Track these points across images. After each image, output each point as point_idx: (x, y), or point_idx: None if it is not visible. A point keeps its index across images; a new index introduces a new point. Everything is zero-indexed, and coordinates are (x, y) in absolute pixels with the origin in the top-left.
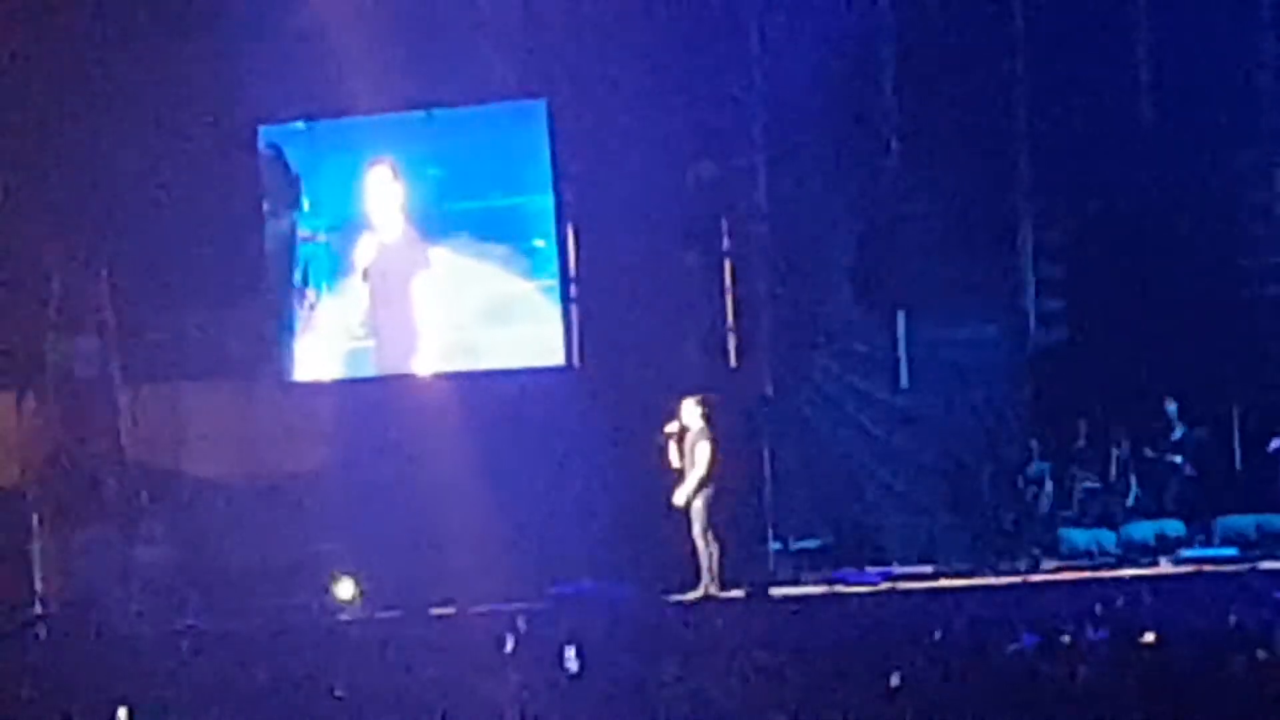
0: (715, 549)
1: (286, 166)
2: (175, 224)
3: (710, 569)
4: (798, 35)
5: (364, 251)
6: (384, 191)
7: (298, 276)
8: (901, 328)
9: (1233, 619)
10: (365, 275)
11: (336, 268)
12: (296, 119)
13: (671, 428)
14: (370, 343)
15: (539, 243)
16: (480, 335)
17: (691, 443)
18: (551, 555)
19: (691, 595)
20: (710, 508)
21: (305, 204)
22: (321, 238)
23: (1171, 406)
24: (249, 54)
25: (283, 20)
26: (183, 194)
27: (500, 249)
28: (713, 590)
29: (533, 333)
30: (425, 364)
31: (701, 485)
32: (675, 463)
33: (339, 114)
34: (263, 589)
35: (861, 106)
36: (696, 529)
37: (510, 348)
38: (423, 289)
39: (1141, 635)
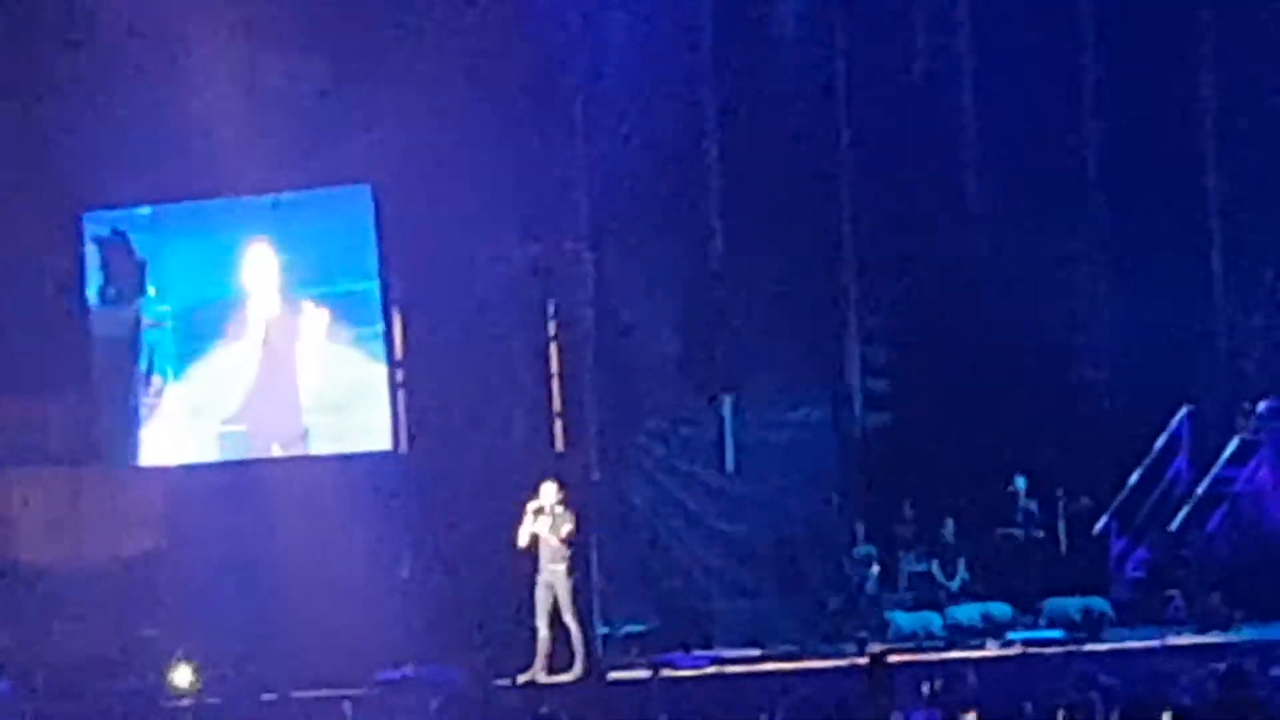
0: (577, 629)
1: (131, 252)
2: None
3: (579, 649)
4: (622, 119)
5: (239, 329)
6: (263, 268)
7: (143, 363)
8: (728, 411)
9: (1057, 701)
10: (242, 351)
11: (184, 352)
12: (141, 204)
13: (534, 505)
14: (242, 426)
15: (354, 329)
16: (320, 420)
17: (558, 524)
18: (379, 640)
19: (525, 677)
20: (574, 589)
21: (151, 290)
22: (167, 324)
23: (1021, 482)
24: (87, 137)
25: (124, 105)
26: (7, 280)
27: (345, 333)
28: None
29: (354, 419)
30: (302, 445)
31: (571, 567)
32: (523, 542)
33: (183, 198)
34: (94, 674)
35: (686, 189)
36: (564, 609)
37: (344, 432)
38: (304, 362)
39: (965, 717)
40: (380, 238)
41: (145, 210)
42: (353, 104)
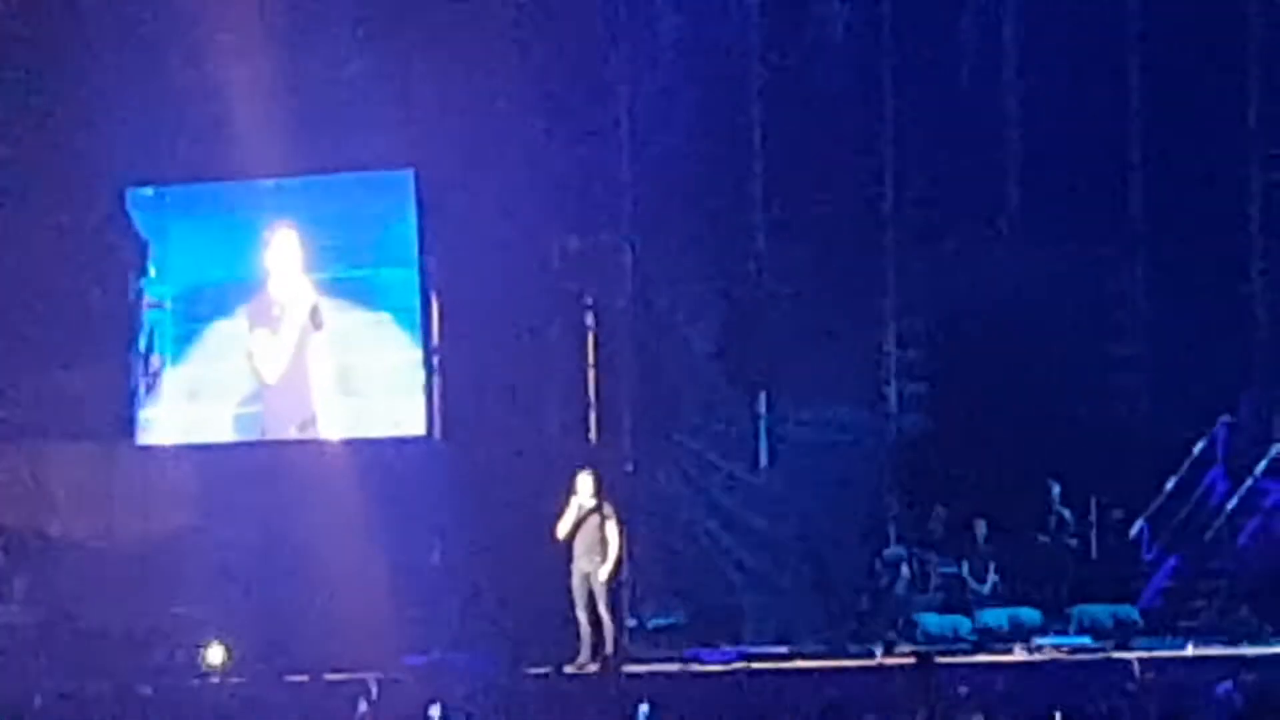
0: (610, 621)
1: (133, 232)
2: (37, 285)
3: (609, 641)
4: (667, 114)
5: (257, 311)
6: (286, 251)
7: (142, 343)
8: (763, 408)
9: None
10: (261, 336)
11: (182, 334)
12: (178, 182)
13: (582, 499)
14: (258, 408)
15: (387, 315)
16: (336, 404)
17: (602, 518)
18: (408, 625)
19: (572, 667)
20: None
21: (151, 270)
22: (167, 304)
23: (1055, 488)
24: (108, 117)
25: (142, 85)
26: (43, 255)
27: (370, 318)
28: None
29: (384, 404)
30: (315, 428)
31: (617, 560)
32: (563, 534)
33: (191, 180)
34: (124, 650)
35: (728, 185)
36: (600, 602)
37: (361, 417)
38: (322, 346)
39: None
40: (421, 224)
41: (147, 191)
42: (394, 90)
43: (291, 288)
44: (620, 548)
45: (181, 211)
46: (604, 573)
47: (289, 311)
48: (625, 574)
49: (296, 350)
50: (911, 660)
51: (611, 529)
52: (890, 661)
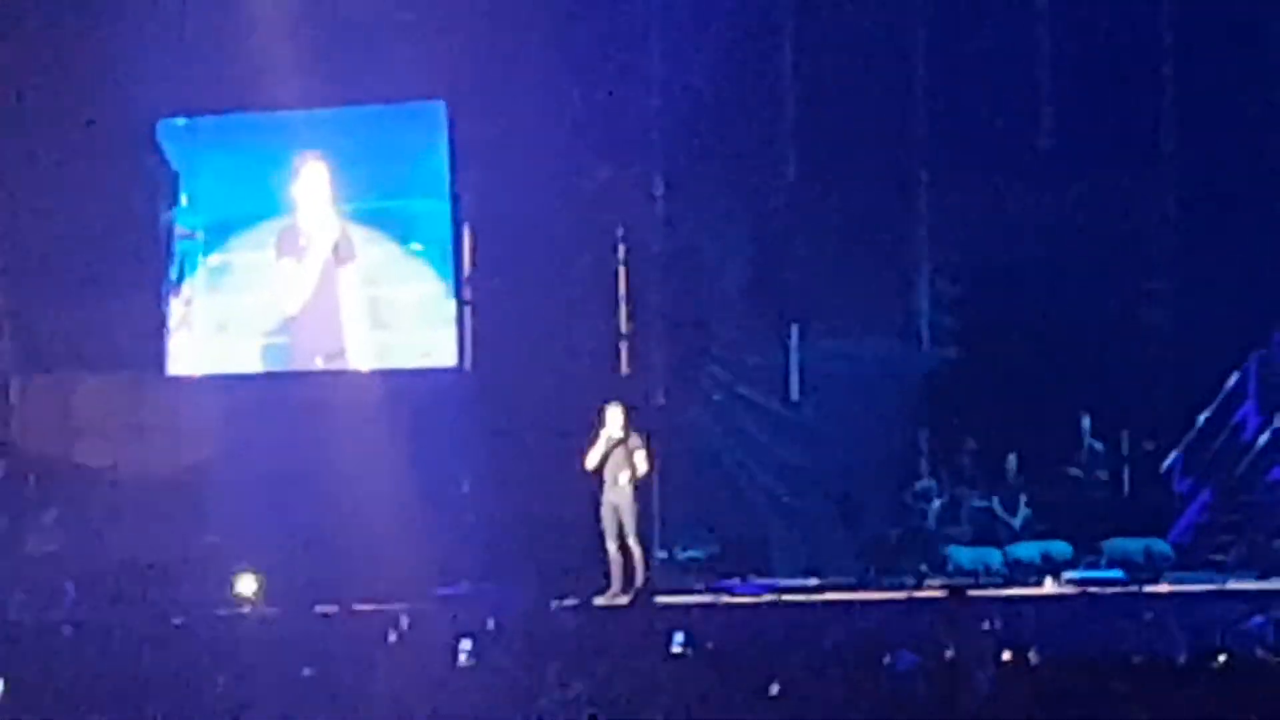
0: (639, 552)
1: (165, 162)
2: (68, 217)
3: (639, 573)
4: (698, 44)
5: (287, 242)
6: (316, 183)
7: (173, 273)
8: (794, 340)
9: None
10: (289, 266)
11: (212, 265)
12: (208, 113)
13: (612, 432)
14: (285, 339)
15: (417, 246)
16: (363, 335)
17: (631, 448)
18: (436, 557)
19: (602, 599)
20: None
21: (183, 200)
22: (198, 235)
23: (1086, 422)
24: (140, 48)
25: (174, 16)
26: (76, 187)
27: (399, 249)
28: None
29: (414, 336)
30: (343, 359)
31: (637, 489)
32: (592, 465)
33: (222, 110)
34: (154, 581)
35: (760, 119)
36: (629, 532)
37: (389, 350)
38: (351, 277)
39: (1024, 655)
40: (452, 155)
41: (179, 121)
42: (426, 21)
43: (319, 218)
44: (648, 473)
45: (212, 142)
46: (630, 485)
47: (315, 242)
48: (655, 506)
49: (321, 281)
50: (942, 593)
51: (640, 459)
52: (921, 594)
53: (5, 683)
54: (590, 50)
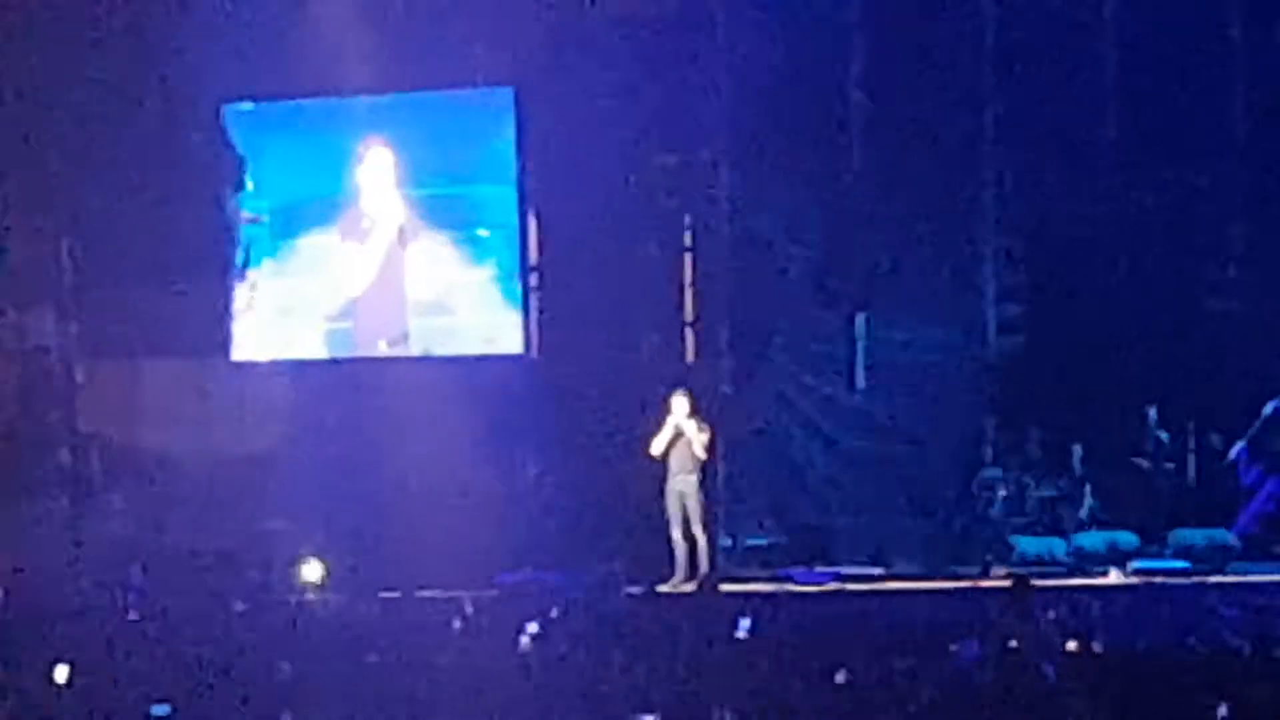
0: (704, 540)
1: (231, 147)
2: (135, 200)
3: (704, 561)
4: (766, 31)
5: (349, 227)
6: (380, 167)
7: (240, 257)
8: (860, 328)
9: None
10: (353, 250)
11: (277, 249)
12: (243, 99)
13: (678, 419)
14: (349, 323)
15: (483, 232)
16: (427, 321)
17: (694, 435)
18: (500, 544)
19: (667, 586)
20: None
21: (249, 185)
22: (264, 219)
23: (1153, 412)
24: (207, 33)
25: (240, 1)
26: (143, 171)
27: (441, 236)
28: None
29: (479, 322)
30: (406, 345)
31: (703, 477)
32: (658, 450)
33: (288, 96)
34: (219, 567)
35: (828, 105)
36: (694, 520)
37: (453, 335)
38: (414, 265)
39: (1088, 645)
40: (520, 141)
41: (246, 106)
42: (494, 6)
43: (383, 203)
44: (707, 460)
45: (279, 127)
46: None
47: (378, 225)
48: (720, 494)
49: (385, 265)
50: (1007, 583)
51: (700, 446)
52: (986, 584)
53: (71, 668)
54: (658, 37)
